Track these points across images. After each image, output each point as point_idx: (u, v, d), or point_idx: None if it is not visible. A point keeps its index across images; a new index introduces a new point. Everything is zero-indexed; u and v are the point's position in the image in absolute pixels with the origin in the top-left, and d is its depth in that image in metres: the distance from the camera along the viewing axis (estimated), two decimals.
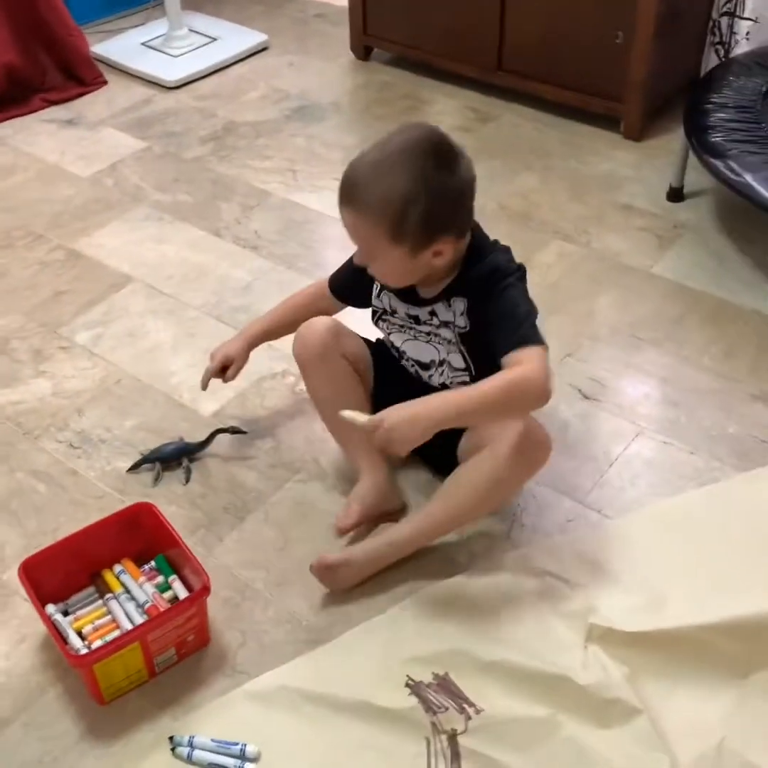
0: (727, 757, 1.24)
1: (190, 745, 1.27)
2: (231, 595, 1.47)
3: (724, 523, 1.55)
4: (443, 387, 1.52)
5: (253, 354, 1.70)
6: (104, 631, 1.37)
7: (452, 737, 1.27)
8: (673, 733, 1.27)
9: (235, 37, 3.11)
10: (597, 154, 2.52)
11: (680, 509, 1.58)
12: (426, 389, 1.49)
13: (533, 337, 1.34)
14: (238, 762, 1.25)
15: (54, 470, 1.68)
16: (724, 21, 2.51)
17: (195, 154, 2.58)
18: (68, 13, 2.83)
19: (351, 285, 1.61)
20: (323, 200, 2.37)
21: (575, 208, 2.32)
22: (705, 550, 1.50)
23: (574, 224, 2.26)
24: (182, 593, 1.41)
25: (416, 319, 1.50)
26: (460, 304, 1.43)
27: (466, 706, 1.30)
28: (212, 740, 1.27)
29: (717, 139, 2.08)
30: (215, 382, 1.69)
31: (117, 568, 1.45)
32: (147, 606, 1.39)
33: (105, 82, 2.92)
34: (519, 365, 1.30)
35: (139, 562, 1.47)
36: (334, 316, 1.62)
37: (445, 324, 1.46)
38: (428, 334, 1.50)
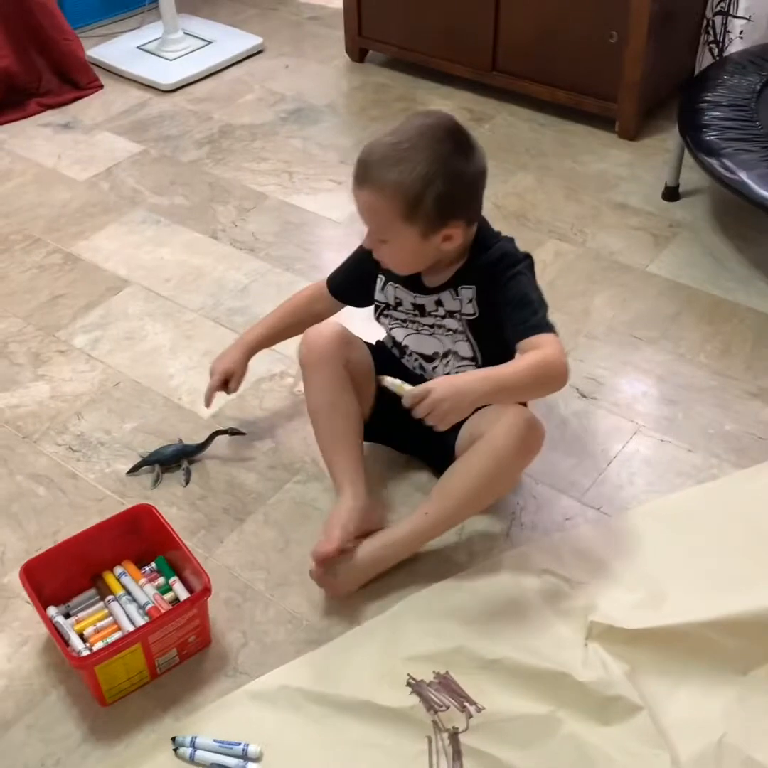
0: (728, 753, 1.25)
1: (193, 745, 1.28)
2: (232, 595, 1.47)
3: (722, 520, 1.56)
4: None
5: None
6: (106, 633, 1.37)
7: (454, 735, 1.28)
8: (673, 730, 1.27)
9: (230, 40, 3.11)
10: (592, 154, 2.53)
11: (679, 506, 1.59)
12: None
13: (547, 325, 1.38)
14: (240, 762, 1.26)
15: (54, 473, 1.69)
16: (718, 20, 2.52)
17: (191, 157, 2.58)
18: (63, 17, 2.83)
19: (352, 283, 1.62)
20: (319, 202, 2.38)
21: (571, 207, 2.33)
22: (704, 547, 1.51)
23: (570, 223, 2.27)
24: (183, 594, 1.41)
25: (421, 311, 1.51)
26: (468, 292, 1.45)
27: (467, 704, 1.31)
28: (214, 740, 1.28)
29: (712, 137, 2.09)
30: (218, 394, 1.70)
31: (118, 570, 1.46)
32: (148, 607, 1.39)
33: (101, 86, 2.93)
34: (539, 349, 1.33)
35: (140, 563, 1.47)
36: (343, 324, 1.58)
37: (451, 313, 1.47)
38: (432, 326, 1.51)
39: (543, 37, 2.57)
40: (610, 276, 2.11)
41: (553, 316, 1.41)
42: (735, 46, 2.49)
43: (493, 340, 1.45)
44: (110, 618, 1.40)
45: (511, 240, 1.48)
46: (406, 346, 1.57)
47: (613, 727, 1.27)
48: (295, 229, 2.30)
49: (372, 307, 1.60)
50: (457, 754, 1.26)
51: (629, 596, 1.43)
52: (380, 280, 1.55)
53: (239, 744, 1.27)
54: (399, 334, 1.57)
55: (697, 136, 2.11)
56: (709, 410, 1.77)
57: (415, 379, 1.57)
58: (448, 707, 1.31)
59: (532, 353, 1.34)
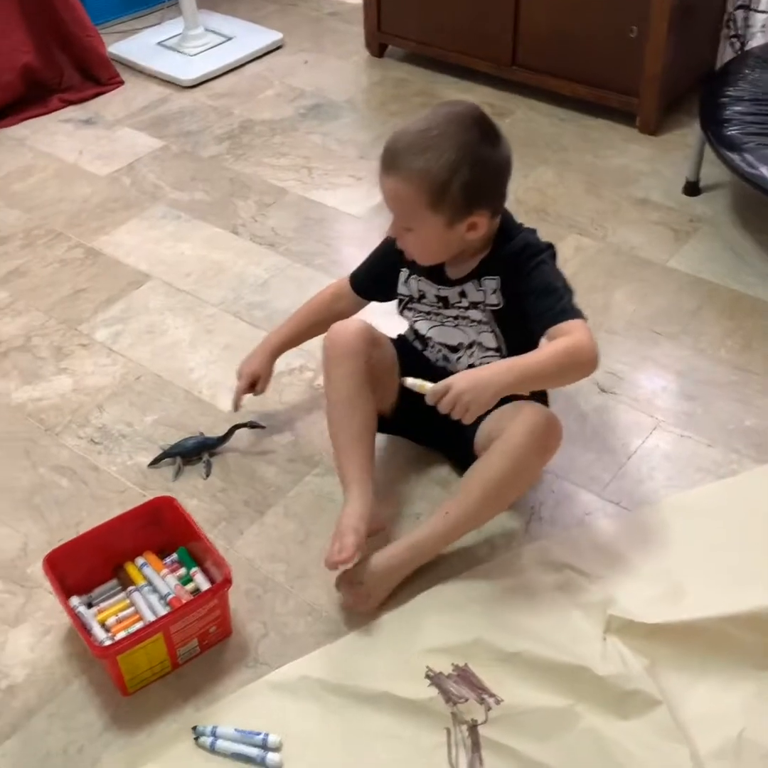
0: (747, 748, 1.25)
1: (213, 734, 1.29)
2: (252, 587, 1.48)
3: (742, 515, 1.56)
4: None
5: None
6: (127, 623, 1.39)
7: (472, 728, 1.28)
8: (692, 724, 1.27)
9: (250, 36, 3.12)
10: (612, 148, 2.52)
11: (699, 501, 1.58)
12: None
13: (575, 311, 1.38)
14: (260, 751, 1.27)
15: (76, 465, 1.70)
16: (740, 14, 2.51)
17: (211, 153, 2.60)
18: (85, 13, 2.85)
19: (375, 278, 1.63)
20: (339, 197, 2.39)
21: (591, 202, 2.32)
22: (724, 542, 1.50)
23: (590, 218, 2.26)
24: (204, 585, 1.42)
25: (445, 302, 1.51)
26: (491, 283, 1.45)
27: (486, 696, 1.31)
28: (235, 730, 1.29)
29: (733, 132, 2.08)
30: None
31: (139, 560, 1.47)
32: (169, 598, 1.40)
33: (121, 82, 2.95)
34: (567, 335, 1.33)
35: (161, 554, 1.48)
36: (368, 322, 1.57)
37: (475, 305, 1.48)
38: (456, 318, 1.52)
39: (563, 32, 2.56)
40: (631, 271, 2.10)
41: None
42: (756, 41, 2.47)
43: (518, 331, 1.45)
44: (132, 608, 1.41)
45: (533, 231, 1.48)
46: (429, 338, 1.58)
47: (632, 721, 1.27)
48: (315, 224, 2.31)
49: (394, 302, 1.60)
50: (475, 746, 1.27)
51: (648, 591, 1.43)
52: (404, 273, 1.55)
53: (259, 734, 1.28)
54: (423, 326, 1.58)
55: (719, 131, 2.11)
56: (729, 405, 1.76)
57: (437, 371, 1.58)
58: (466, 699, 1.31)
59: (560, 340, 1.33)
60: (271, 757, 1.26)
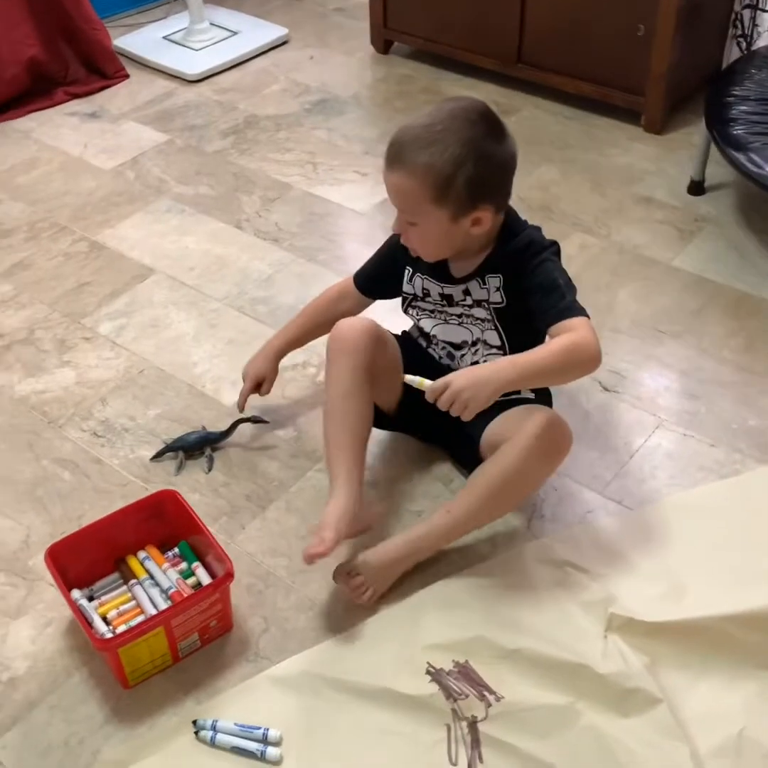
0: (748, 747, 1.25)
1: (214, 728, 1.29)
2: (253, 582, 1.48)
3: (744, 515, 1.56)
4: None
5: None
6: (129, 616, 1.39)
7: (473, 724, 1.28)
8: (693, 723, 1.27)
9: (255, 31, 3.12)
10: (617, 147, 2.52)
11: (701, 500, 1.58)
12: None
13: (577, 308, 1.37)
14: (260, 746, 1.27)
15: (79, 458, 1.70)
16: (747, 14, 2.50)
17: (216, 147, 2.59)
18: (91, 7, 2.85)
19: (379, 277, 1.63)
20: (343, 193, 2.38)
21: (596, 200, 2.32)
22: (725, 541, 1.51)
23: (595, 217, 2.26)
24: (205, 579, 1.42)
25: (449, 300, 1.51)
26: (495, 281, 1.45)
27: (486, 693, 1.31)
28: (235, 724, 1.29)
29: (739, 131, 2.08)
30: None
31: (141, 554, 1.47)
32: (171, 592, 1.40)
33: (127, 76, 2.94)
34: (570, 332, 1.33)
35: (163, 548, 1.48)
36: (375, 321, 1.55)
37: (479, 302, 1.48)
38: (460, 316, 1.51)
39: (569, 30, 2.56)
40: (635, 270, 2.10)
41: None
42: (763, 41, 2.47)
43: (521, 329, 1.45)
44: (133, 602, 1.42)
45: (538, 228, 1.48)
46: (434, 336, 1.58)
47: (633, 719, 1.27)
48: (319, 219, 2.31)
49: (398, 299, 1.60)
50: (475, 742, 1.27)
51: (650, 589, 1.43)
52: (408, 271, 1.55)
53: (260, 728, 1.28)
54: (427, 324, 1.58)
55: (724, 130, 2.10)
56: (732, 405, 1.76)
57: (441, 368, 1.58)
58: (467, 696, 1.31)
59: (561, 337, 1.33)
60: (272, 751, 1.26)
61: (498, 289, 1.45)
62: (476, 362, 1.53)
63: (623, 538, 1.52)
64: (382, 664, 1.35)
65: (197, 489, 1.64)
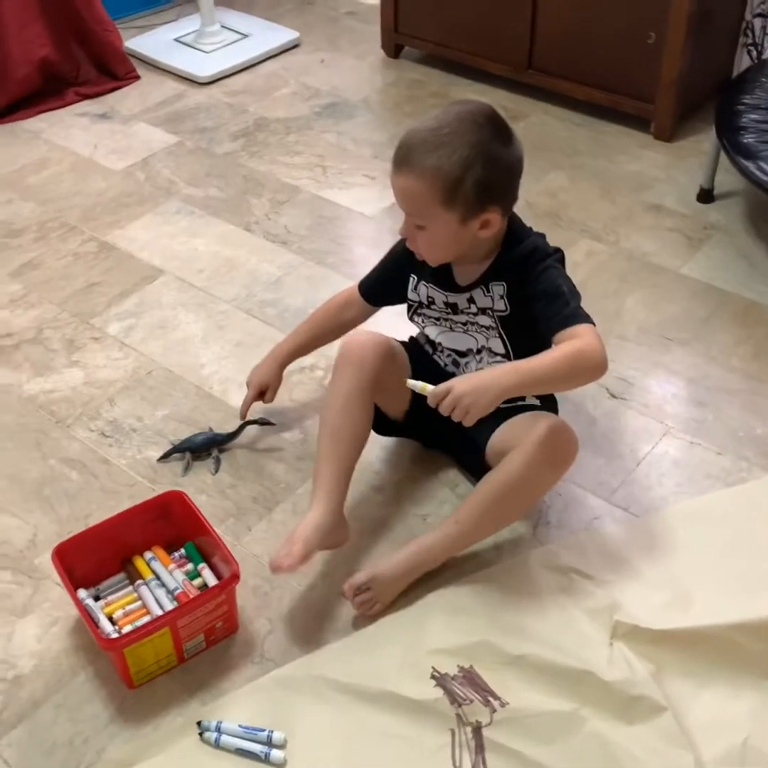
0: (752, 756, 1.24)
1: (218, 730, 1.29)
2: (259, 583, 1.49)
3: (751, 523, 1.55)
4: None
5: None
6: (134, 617, 1.39)
7: (477, 729, 1.28)
8: (697, 731, 1.27)
9: (266, 34, 3.13)
10: (626, 154, 2.52)
11: (707, 508, 1.58)
12: None
13: (582, 315, 1.37)
14: (264, 748, 1.27)
15: (86, 458, 1.71)
16: (758, 22, 2.51)
17: (226, 150, 2.60)
18: (103, 8, 2.86)
19: (384, 285, 1.63)
20: (353, 196, 2.39)
21: (604, 207, 2.32)
22: (731, 550, 1.50)
23: (603, 223, 2.26)
24: (211, 581, 1.42)
25: (454, 308, 1.51)
26: (499, 289, 1.45)
27: (491, 699, 1.31)
28: (239, 726, 1.29)
29: (749, 140, 2.08)
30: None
31: (148, 554, 1.47)
32: (177, 592, 1.40)
33: (138, 77, 2.95)
34: (575, 339, 1.33)
35: (170, 549, 1.49)
36: (387, 337, 1.56)
37: (483, 310, 1.48)
38: (465, 323, 1.51)
39: (580, 36, 2.56)
40: (643, 277, 2.10)
41: None
42: None
43: (525, 336, 1.45)
44: (139, 602, 1.42)
45: (542, 236, 1.48)
46: (439, 343, 1.58)
47: (637, 727, 1.27)
48: (328, 223, 2.31)
49: (404, 305, 1.60)
50: (479, 747, 1.27)
51: (655, 597, 1.43)
52: (412, 279, 1.55)
53: (264, 730, 1.28)
54: (432, 331, 1.58)
55: (734, 139, 2.10)
56: (739, 413, 1.76)
57: (446, 375, 1.57)
58: (472, 701, 1.31)
59: (566, 343, 1.33)
60: (276, 753, 1.27)
61: (502, 296, 1.45)
62: (480, 370, 1.53)
63: (629, 545, 1.52)
64: (386, 667, 1.35)
65: (204, 490, 1.65)
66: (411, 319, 1.60)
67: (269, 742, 1.28)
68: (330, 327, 1.71)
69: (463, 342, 1.54)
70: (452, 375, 1.56)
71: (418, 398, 1.47)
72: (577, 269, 2.08)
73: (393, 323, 1.66)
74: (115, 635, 1.34)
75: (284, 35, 3.12)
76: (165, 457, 1.70)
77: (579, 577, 1.47)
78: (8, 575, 1.51)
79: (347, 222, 2.32)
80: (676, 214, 2.29)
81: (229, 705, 1.33)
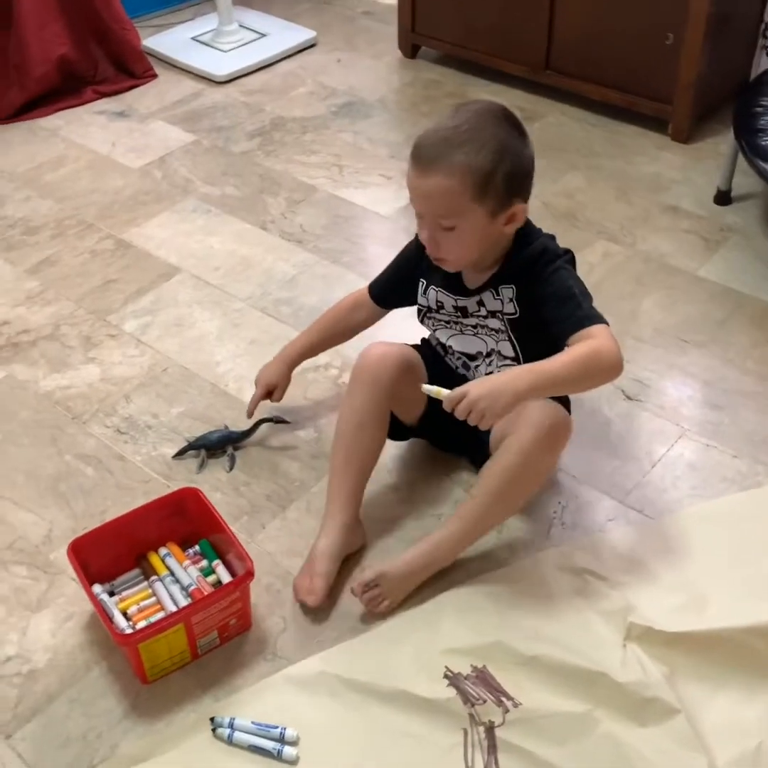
0: (766, 761, 1.24)
1: (231, 726, 1.29)
2: (273, 581, 1.49)
3: (766, 527, 1.55)
4: None
5: None
6: (149, 613, 1.40)
7: (490, 729, 1.28)
8: (711, 735, 1.27)
9: (283, 34, 3.14)
10: (644, 155, 2.51)
11: (722, 511, 1.58)
12: None
13: (595, 316, 1.36)
14: (277, 745, 1.27)
15: (102, 454, 1.72)
16: None
17: (243, 149, 2.61)
18: (121, 6, 2.87)
19: (393, 287, 1.63)
20: (368, 196, 2.39)
21: (621, 208, 2.32)
22: (746, 553, 1.50)
23: (620, 225, 2.26)
24: (226, 578, 1.43)
25: (463, 312, 1.51)
26: (508, 292, 1.44)
27: (504, 699, 1.31)
28: (252, 723, 1.29)
29: (767, 142, 2.07)
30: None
31: (162, 551, 1.48)
32: (191, 589, 1.41)
33: (155, 76, 2.97)
34: (590, 340, 1.32)
35: (184, 546, 1.49)
36: (407, 348, 1.57)
37: (493, 313, 1.47)
38: (475, 326, 1.51)
39: (597, 37, 2.55)
40: (659, 278, 2.09)
41: None
42: None
43: (535, 339, 1.45)
44: (154, 598, 1.42)
45: (552, 237, 1.47)
46: (449, 346, 1.57)
47: (650, 729, 1.26)
48: (344, 222, 2.31)
49: (415, 308, 1.60)
50: (492, 747, 1.27)
51: (669, 599, 1.42)
52: (422, 283, 1.55)
53: (277, 727, 1.29)
54: (442, 335, 1.57)
55: (753, 140, 2.09)
56: (755, 416, 1.75)
57: (457, 377, 1.58)
58: (484, 701, 1.31)
59: (580, 344, 1.32)
60: (288, 750, 1.27)
61: (511, 299, 1.45)
62: (490, 373, 1.53)
63: (643, 547, 1.52)
64: (400, 666, 1.35)
65: (219, 487, 1.65)
66: (421, 322, 1.60)
67: (282, 739, 1.28)
68: (340, 328, 1.71)
69: (473, 345, 1.54)
70: (463, 378, 1.56)
71: (432, 403, 1.47)
72: (593, 270, 2.08)
73: (402, 326, 1.66)
74: (129, 631, 1.35)
75: (301, 35, 3.13)
76: (180, 454, 1.71)
77: (593, 578, 1.47)
78: (24, 570, 1.52)
79: (363, 221, 2.32)
80: (693, 216, 2.28)
81: (243, 701, 1.33)
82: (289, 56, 3.07)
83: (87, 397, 1.84)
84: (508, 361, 1.51)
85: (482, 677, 1.34)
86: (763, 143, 2.07)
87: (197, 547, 1.49)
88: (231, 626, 1.39)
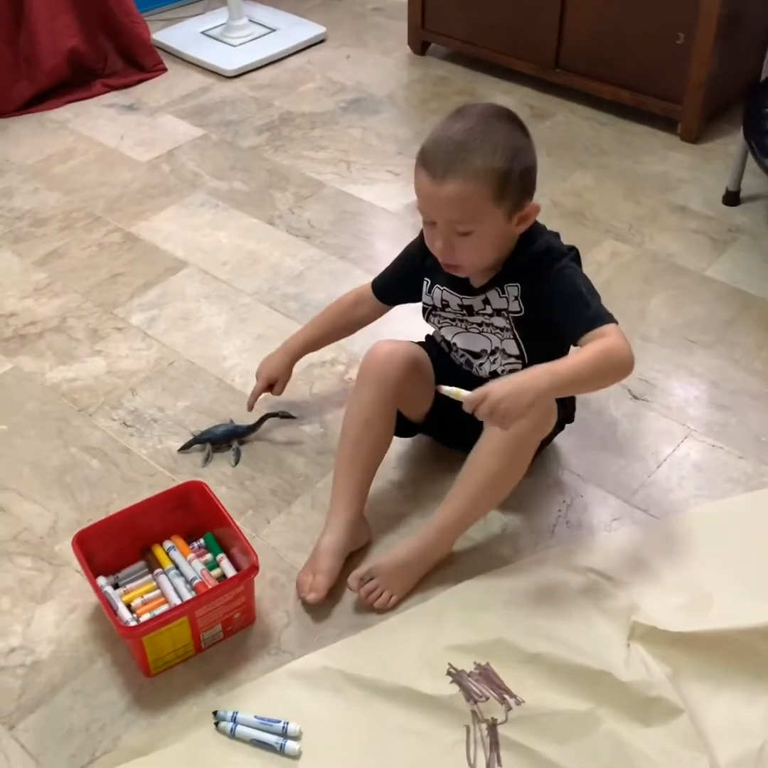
0: None
1: (234, 720, 1.29)
2: (277, 576, 1.49)
3: None
4: (494, 375, 1.52)
5: None
6: (153, 605, 1.40)
7: (492, 727, 1.28)
8: (713, 735, 1.27)
9: (293, 29, 3.13)
10: (652, 155, 2.51)
11: (727, 512, 1.58)
12: (474, 382, 1.49)
13: (605, 315, 1.36)
14: (279, 739, 1.27)
15: (107, 447, 1.72)
16: None
17: (251, 143, 2.61)
18: (132, 0, 2.87)
19: (397, 284, 1.63)
20: (376, 192, 2.39)
21: (629, 207, 2.31)
22: (751, 554, 1.50)
23: (628, 224, 2.25)
24: (230, 571, 1.43)
25: (469, 310, 1.51)
26: (513, 290, 1.44)
27: (507, 696, 1.31)
28: (255, 717, 1.29)
29: None
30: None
31: (167, 544, 1.48)
32: (195, 582, 1.41)
33: (164, 70, 2.97)
34: (603, 338, 1.32)
35: (189, 539, 1.49)
36: (415, 346, 1.57)
37: (498, 312, 1.47)
38: (480, 324, 1.51)
39: (608, 36, 2.55)
40: (667, 278, 2.09)
41: None
42: None
43: (539, 338, 1.45)
44: (158, 591, 1.42)
45: (556, 234, 1.47)
46: (454, 344, 1.57)
47: (653, 729, 1.26)
48: (351, 218, 2.31)
49: (419, 305, 1.60)
50: (494, 744, 1.27)
51: (674, 599, 1.42)
52: (426, 282, 1.54)
53: (279, 721, 1.29)
54: (448, 333, 1.57)
55: (762, 141, 2.09)
56: (762, 417, 1.75)
57: (462, 374, 1.58)
58: (487, 698, 1.31)
59: (594, 343, 1.32)
60: (291, 745, 1.27)
61: (517, 298, 1.44)
62: (494, 371, 1.53)
63: (648, 546, 1.52)
64: (403, 662, 1.36)
65: (224, 482, 1.65)
66: (427, 320, 1.59)
67: (284, 734, 1.28)
68: (342, 323, 1.71)
69: (478, 343, 1.54)
70: (468, 374, 1.56)
71: (439, 400, 1.47)
72: (601, 269, 2.08)
73: (407, 321, 1.66)
74: (133, 623, 1.35)
75: (311, 30, 3.13)
76: (185, 447, 1.71)
77: (597, 577, 1.46)
78: (28, 561, 1.52)
79: (370, 217, 2.32)
80: (702, 216, 2.28)
81: (245, 695, 1.33)
82: (299, 51, 3.07)
83: (93, 389, 1.84)
84: (512, 359, 1.51)
85: (485, 674, 1.34)
86: None
87: (202, 541, 1.49)
88: (235, 620, 1.39)
